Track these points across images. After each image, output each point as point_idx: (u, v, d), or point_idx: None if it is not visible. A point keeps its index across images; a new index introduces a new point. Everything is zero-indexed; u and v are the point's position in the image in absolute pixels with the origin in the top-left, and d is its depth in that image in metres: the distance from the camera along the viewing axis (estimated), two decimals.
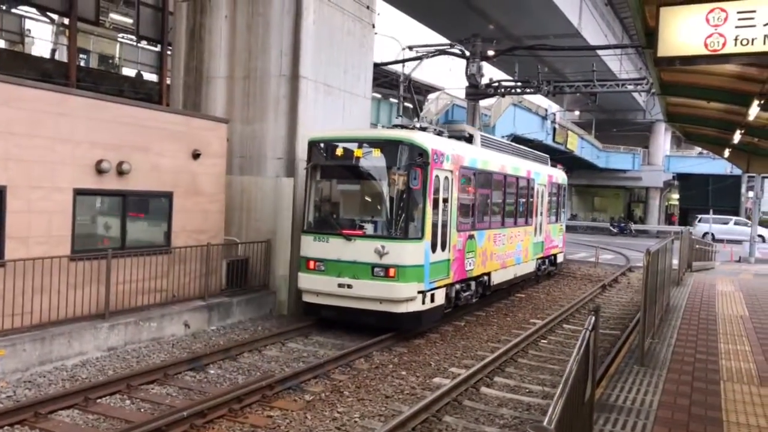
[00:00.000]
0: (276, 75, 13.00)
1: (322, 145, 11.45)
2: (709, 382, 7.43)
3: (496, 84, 25.72)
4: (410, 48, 23.62)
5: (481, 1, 27.96)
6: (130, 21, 23.94)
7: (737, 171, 33.75)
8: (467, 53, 24.65)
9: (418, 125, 12.83)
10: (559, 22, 29.85)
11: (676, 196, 63.59)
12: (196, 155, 11.53)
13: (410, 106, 39.89)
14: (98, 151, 9.73)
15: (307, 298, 11.43)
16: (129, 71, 23.90)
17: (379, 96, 36.40)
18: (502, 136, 28.51)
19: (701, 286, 16.68)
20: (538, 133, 38.28)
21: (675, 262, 15.24)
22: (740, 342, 9.72)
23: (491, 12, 29.34)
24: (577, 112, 55.38)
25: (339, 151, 11.18)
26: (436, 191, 11.20)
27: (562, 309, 14.21)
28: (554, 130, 41.51)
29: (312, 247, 11.18)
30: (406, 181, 10.67)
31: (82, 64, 22.94)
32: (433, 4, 28.82)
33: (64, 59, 18.91)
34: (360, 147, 11.01)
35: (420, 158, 10.73)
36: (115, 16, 26.52)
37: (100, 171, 9.72)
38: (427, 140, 11.13)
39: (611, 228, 49.88)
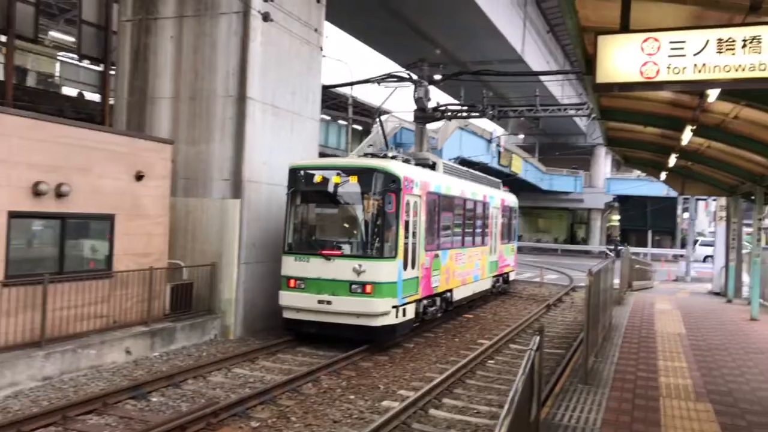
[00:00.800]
0: (223, 96, 12.88)
1: (302, 172, 12.28)
2: (649, 399, 7.62)
3: (443, 108, 26.09)
4: (379, 83, 24.17)
5: (427, 27, 28.43)
6: (72, 39, 23.39)
7: (673, 193, 35.04)
8: (415, 77, 24.95)
9: (390, 154, 13.76)
10: (503, 48, 30.61)
11: (617, 217, 65.53)
12: (139, 177, 11.26)
13: (359, 127, 40.17)
14: (35, 173, 9.39)
15: (287, 315, 12.07)
16: (70, 91, 23.27)
17: (328, 118, 36.49)
18: (450, 159, 28.89)
19: (641, 305, 17.17)
20: (484, 155, 38.97)
21: (616, 281, 15.66)
22: (678, 359, 10.02)
23: (438, 37, 29.86)
24: (521, 136, 56.70)
25: (318, 178, 12.05)
26: (407, 214, 12.20)
27: (508, 329, 14.38)
28: (499, 153, 42.35)
29: (293, 266, 11.93)
30: (380, 206, 11.68)
31: (20, 82, 22.20)
32: (381, 29, 29.16)
33: (1, 77, 18.28)
34: (338, 174, 11.93)
35: (393, 184, 11.77)
36: (55, 34, 25.87)
37: (37, 193, 9.37)
38: (400, 168, 12.14)
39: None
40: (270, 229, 13.50)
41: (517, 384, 3.61)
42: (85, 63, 22.36)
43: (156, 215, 11.71)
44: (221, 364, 10.37)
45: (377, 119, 24.06)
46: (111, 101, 14.91)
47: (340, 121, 37.72)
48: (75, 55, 20.84)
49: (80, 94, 22.28)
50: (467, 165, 28.83)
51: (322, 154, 28.24)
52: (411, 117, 27.27)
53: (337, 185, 11.89)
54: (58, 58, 24.48)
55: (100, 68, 18.84)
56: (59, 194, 9.71)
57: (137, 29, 13.69)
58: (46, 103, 17.46)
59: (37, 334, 9.20)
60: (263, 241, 13.33)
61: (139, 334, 10.69)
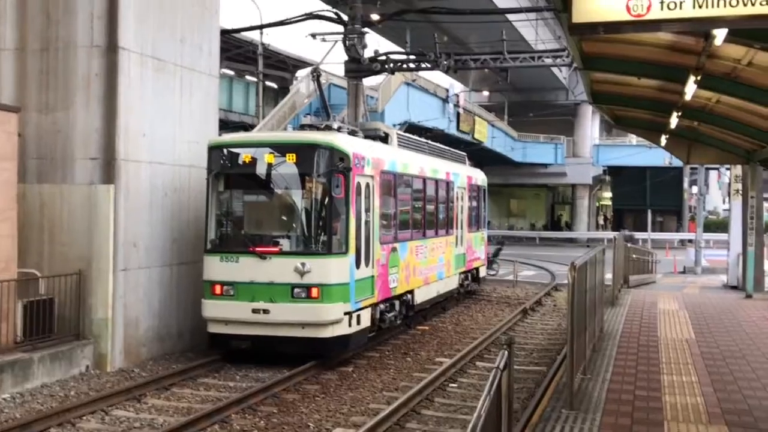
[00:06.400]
0: (86, 46, 12.56)
1: (225, 151, 12.72)
2: (651, 423, 7.87)
3: (384, 57, 26.08)
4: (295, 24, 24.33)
5: None
6: None
7: (678, 162, 36.17)
8: (345, 17, 24.84)
9: (334, 125, 14.13)
10: None
11: (608, 194, 67.25)
12: None
13: (274, 85, 39.81)
14: None
15: (213, 329, 12.48)
16: None
17: (231, 73, 36.02)
18: (395, 125, 29.02)
19: (640, 305, 17.70)
20: (439, 119, 39.28)
21: (608, 276, 16.10)
22: (686, 372, 10.38)
23: None
24: (485, 93, 57.39)
25: (246, 158, 12.43)
26: (359, 199, 12.76)
27: (474, 342, 14.60)
28: (458, 115, 42.78)
29: (218, 268, 12.40)
30: (326, 190, 12.24)
31: None
32: None
33: None
34: (271, 152, 12.33)
35: (341, 163, 12.20)
36: None
37: None
38: (348, 143, 12.76)
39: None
40: (156, 222, 13.29)
41: (479, 411, 3.67)
42: None
43: None
44: (96, 405, 10.16)
45: (313, 79, 24.12)
46: None
47: (248, 77, 37.31)
48: None
49: None
50: (418, 132, 29.00)
51: (224, 121, 27.95)
52: (341, 70, 27.18)
53: (270, 166, 12.29)
54: None
55: None
56: None
57: None
58: None
59: None
60: (149, 240, 13.11)
61: None
